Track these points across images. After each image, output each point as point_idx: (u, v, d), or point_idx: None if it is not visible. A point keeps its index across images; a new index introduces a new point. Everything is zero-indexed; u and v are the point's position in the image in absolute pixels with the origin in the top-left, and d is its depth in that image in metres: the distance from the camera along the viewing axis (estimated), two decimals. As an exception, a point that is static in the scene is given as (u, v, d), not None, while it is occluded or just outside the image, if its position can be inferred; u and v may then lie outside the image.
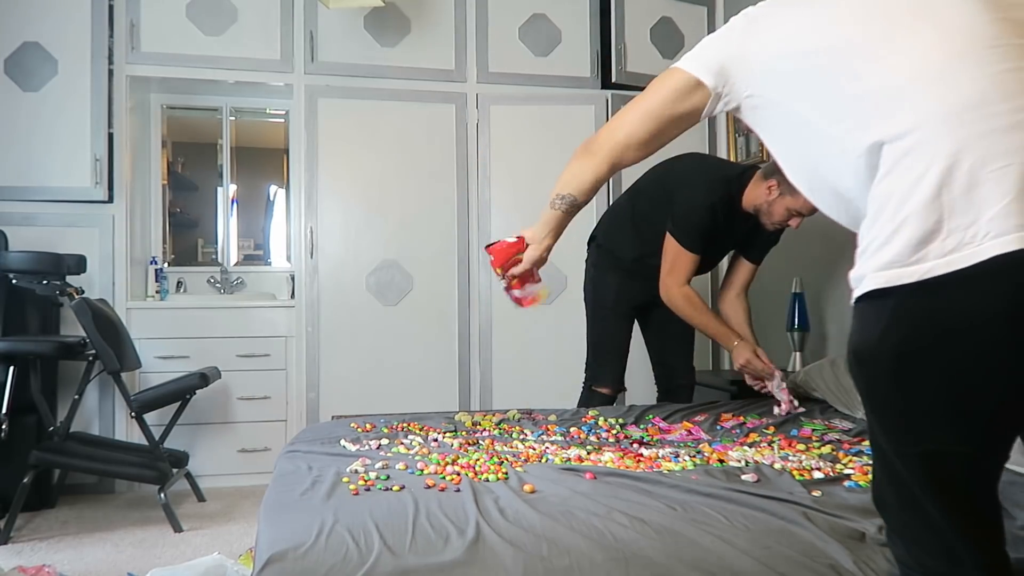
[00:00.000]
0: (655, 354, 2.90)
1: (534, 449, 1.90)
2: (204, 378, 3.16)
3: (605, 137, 1.42)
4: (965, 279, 0.86)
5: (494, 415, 2.44)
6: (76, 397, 3.01)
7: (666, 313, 2.70)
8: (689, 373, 2.87)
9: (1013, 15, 0.96)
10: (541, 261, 1.60)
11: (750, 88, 1.15)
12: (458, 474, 1.61)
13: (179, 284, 3.92)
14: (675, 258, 2.56)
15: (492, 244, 1.67)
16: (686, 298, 2.56)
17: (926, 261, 0.88)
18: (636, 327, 2.89)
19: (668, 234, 2.57)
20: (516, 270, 1.61)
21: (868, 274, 0.94)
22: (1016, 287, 0.86)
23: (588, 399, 2.80)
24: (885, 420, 0.96)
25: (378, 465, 1.70)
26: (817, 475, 1.61)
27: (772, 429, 2.18)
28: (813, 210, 2.31)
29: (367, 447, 1.93)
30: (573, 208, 1.50)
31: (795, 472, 1.63)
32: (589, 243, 2.93)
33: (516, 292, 1.66)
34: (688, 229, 2.55)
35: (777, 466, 1.68)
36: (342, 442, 1.99)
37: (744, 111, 1.20)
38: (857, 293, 0.97)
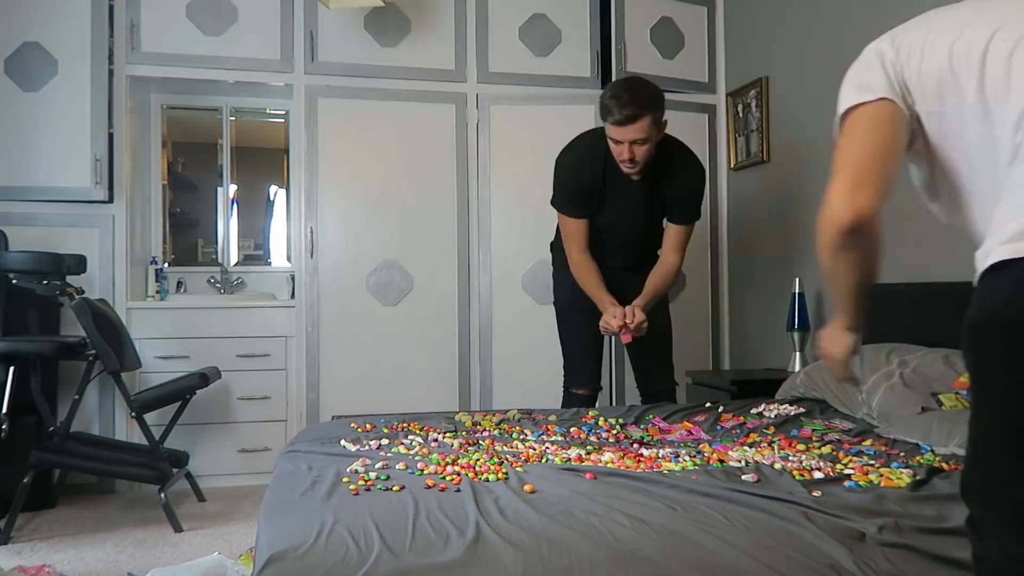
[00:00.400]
0: (632, 359, 2.90)
1: (534, 449, 1.90)
2: (204, 378, 3.16)
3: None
4: None
5: (494, 415, 2.44)
6: (76, 397, 3.01)
7: (649, 320, 2.71)
8: (666, 377, 2.84)
9: None
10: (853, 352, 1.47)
11: (920, 105, 1.17)
12: (458, 474, 1.60)
13: (179, 284, 3.92)
14: (560, 226, 2.68)
15: None
16: (575, 265, 2.65)
17: None
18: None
19: None
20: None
21: (994, 248, 0.95)
22: None
23: (568, 401, 2.81)
24: (991, 394, 0.95)
25: (378, 465, 1.70)
26: (817, 475, 1.61)
27: (772, 429, 2.18)
28: (626, 133, 2.39)
29: (367, 447, 1.93)
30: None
31: (795, 472, 1.63)
32: (551, 247, 2.97)
33: None
34: (556, 191, 2.67)
35: (777, 466, 1.68)
36: (342, 442, 1.99)
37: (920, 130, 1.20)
38: (981, 268, 0.97)
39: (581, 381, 2.80)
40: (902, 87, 1.17)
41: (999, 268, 0.94)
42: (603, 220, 2.69)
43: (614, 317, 2.54)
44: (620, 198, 2.63)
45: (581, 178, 2.60)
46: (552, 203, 2.70)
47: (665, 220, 2.74)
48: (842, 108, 1.21)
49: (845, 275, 1.25)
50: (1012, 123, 1.02)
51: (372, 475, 1.61)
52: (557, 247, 2.88)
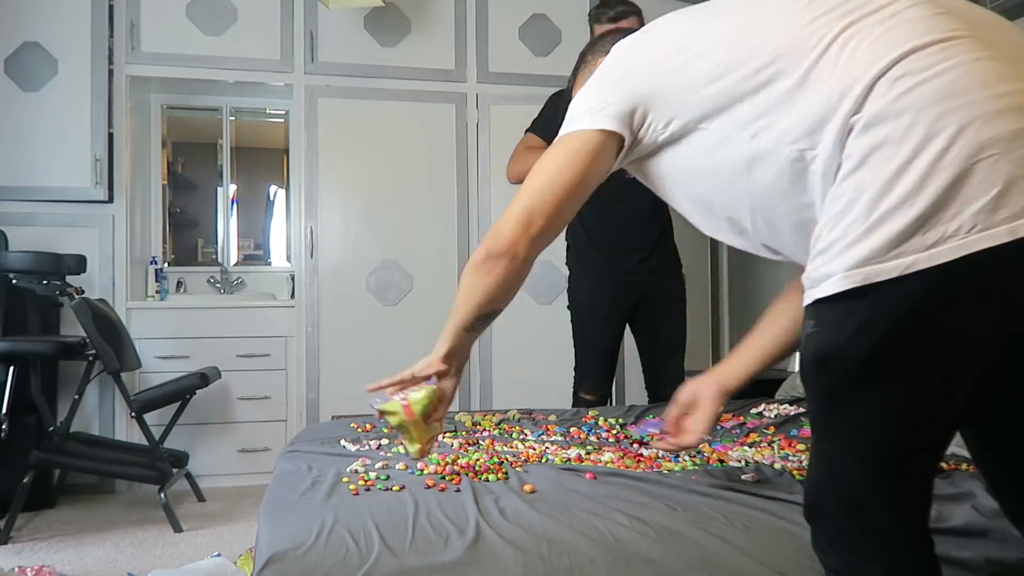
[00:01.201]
0: (644, 361, 2.88)
1: (534, 449, 1.90)
2: (204, 378, 3.16)
3: (520, 236, 1.14)
4: (949, 274, 0.82)
5: (494, 415, 2.44)
6: (76, 397, 3.01)
7: (656, 320, 2.70)
8: (677, 383, 2.80)
9: (949, 7, 0.93)
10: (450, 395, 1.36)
11: (665, 120, 1.06)
12: (458, 474, 1.60)
13: (179, 284, 3.92)
14: (518, 148, 2.72)
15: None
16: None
17: (906, 255, 0.83)
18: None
19: None
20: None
21: (837, 273, 0.87)
22: (1000, 283, 0.84)
23: (576, 404, 2.81)
24: (848, 422, 0.92)
25: (378, 465, 1.70)
26: (817, 475, 1.61)
27: (772, 429, 2.18)
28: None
29: (367, 447, 1.93)
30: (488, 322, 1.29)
31: (795, 472, 1.63)
32: (567, 248, 2.93)
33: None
34: (539, 115, 2.76)
35: (777, 466, 1.68)
36: (342, 442, 1.99)
37: (655, 154, 1.10)
38: (820, 294, 0.90)
39: (589, 386, 2.79)
40: (650, 110, 1.07)
41: (843, 297, 0.87)
42: (611, 186, 2.66)
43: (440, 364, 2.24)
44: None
45: (562, 108, 2.58)
46: (529, 129, 2.74)
47: None
48: (567, 127, 1.13)
49: (471, 299, 1.24)
50: (834, 137, 0.90)
51: (372, 475, 1.61)
52: (573, 245, 2.83)
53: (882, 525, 0.92)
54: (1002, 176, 0.81)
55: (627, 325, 2.82)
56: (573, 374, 2.87)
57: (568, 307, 2.91)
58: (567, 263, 2.91)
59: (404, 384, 1.32)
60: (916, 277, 0.83)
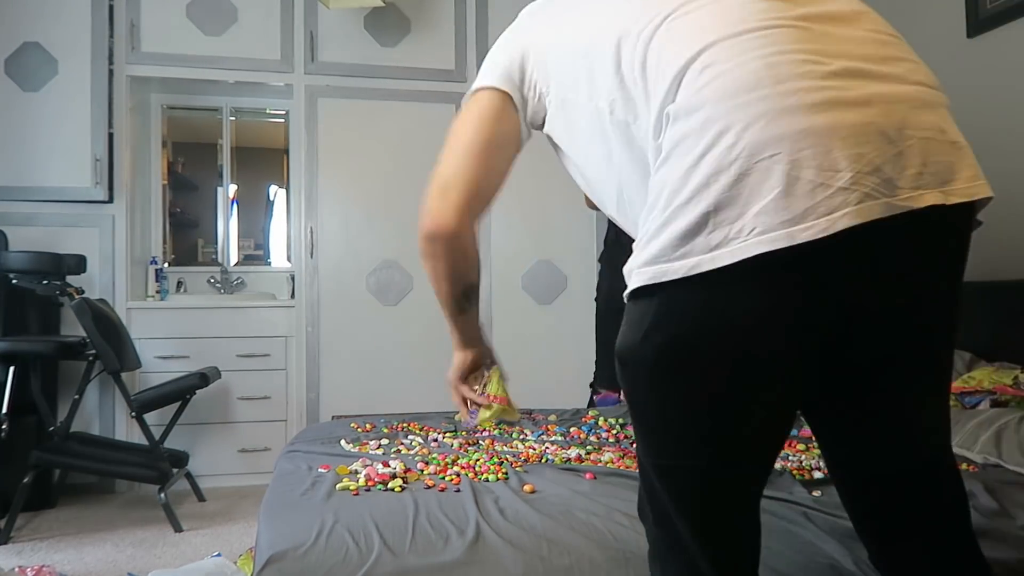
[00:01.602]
0: None
1: (534, 449, 1.90)
2: (204, 378, 3.16)
3: (444, 210, 1.15)
4: (729, 277, 0.78)
5: (494, 415, 2.44)
6: (76, 397, 3.01)
7: None
8: None
9: None
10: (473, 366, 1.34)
11: (544, 85, 1.05)
12: (458, 474, 1.61)
13: (179, 284, 3.92)
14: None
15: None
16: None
17: (691, 256, 0.79)
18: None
19: None
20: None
21: (635, 269, 0.85)
22: (778, 288, 0.79)
23: (590, 400, 2.82)
24: (643, 426, 0.90)
25: (378, 465, 1.70)
26: (817, 475, 1.61)
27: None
28: None
29: (367, 447, 1.93)
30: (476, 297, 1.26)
31: (795, 472, 1.63)
32: (605, 242, 2.92)
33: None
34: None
35: (777, 466, 1.68)
36: (342, 442, 1.99)
37: (548, 117, 1.08)
38: (627, 291, 0.88)
39: (604, 381, 2.80)
40: (529, 73, 1.05)
41: (641, 294, 0.85)
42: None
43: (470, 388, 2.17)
44: None
45: None
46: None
47: None
48: (473, 85, 1.10)
49: (439, 285, 1.19)
50: (652, 124, 0.87)
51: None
52: (612, 241, 2.80)
53: (686, 544, 0.88)
54: (783, 177, 0.77)
55: None
56: (594, 371, 2.87)
57: (595, 299, 2.90)
58: (599, 259, 2.89)
59: (468, 398, 1.30)
60: (699, 279, 0.79)
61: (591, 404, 2.78)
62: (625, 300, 0.89)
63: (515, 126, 1.08)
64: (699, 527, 0.88)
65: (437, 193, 1.12)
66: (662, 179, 0.84)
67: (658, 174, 0.85)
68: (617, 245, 2.83)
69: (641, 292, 0.85)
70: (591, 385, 2.85)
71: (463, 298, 1.20)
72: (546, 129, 1.10)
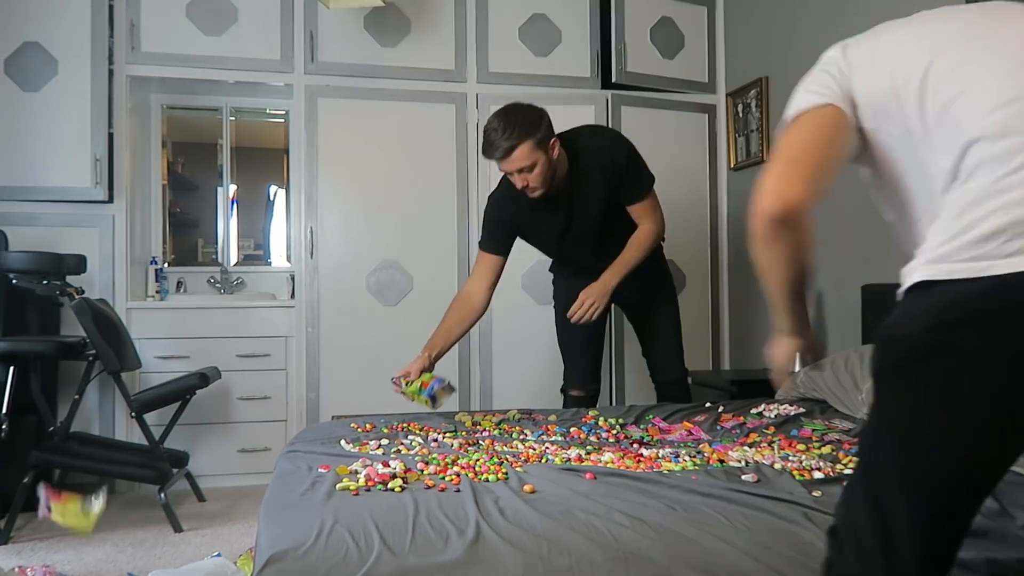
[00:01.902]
0: (642, 351, 2.89)
1: (534, 449, 1.90)
2: (204, 378, 3.16)
3: (786, 192, 1.15)
4: (1017, 283, 0.86)
5: (494, 415, 2.45)
6: (76, 397, 3.01)
7: (648, 310, 2.72)
8: (670, 370, 2.80)
9: None
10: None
11: (865, 122, 1.15)
12: (458, 475, 1.61)
13: (179, 284, 3.92)
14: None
15: None
16: (457, 295, 2.65)
17: (982, 260, 0.88)
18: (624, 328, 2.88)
19: None
20: None
21: (919, 267, 0.95)
22: None
23: (565, 403, 2.82)
24: (886, 407, 0.95)
25: (378, 466, 1.70)
26: (817, 475, 1.61)
27: (772, 429, 2.19)
28: (510, 165, 2.34)
29: (367, 447, 1.93)
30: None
31: (795, 472, 1.63)
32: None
33: None
34: (482, 229, 2.65)
35: (777, 466, 1.68)
36: (342, 442, 1.99)
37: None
38: (904, 286, 0.97)
39: (575, 382, 2.81)
40: (849, 98, 1.15)
41: (919, 288, 0.94)
42: (556, 242, 2.65)
43: (404, 372, 2.44)
44: (557, 219, 2.55)
45: (503, 217, 2.57)
46: (480, 243, 2.66)
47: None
48: (790, 114, 1.19)
49: (775, 269, 1.24)
50: (948, 152, 1.00)
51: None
52: (553, 266, 2.90)
53: (898, 523, 0.91)
54: None
55: (608, 323, 2.86)
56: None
57: (553, 307, 2.93)
58: (550, 268, 2.93)
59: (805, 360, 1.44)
60: (987, 280, 0.87)
61: (565, 406, 2.79)
62: (900, 294, 0.97)
63: (849, 136, 1.15)
64: (918, 519, 0.91)
65: (782, 174, 1.13)
66: (961, 194, 0.96)
67: (957, 191, 0.97)
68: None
69: (921, 286, 0.93)
70: (562, 391, 2.85)
71: (799, 282, 1.25)
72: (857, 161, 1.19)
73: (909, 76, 1.07)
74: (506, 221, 2.58)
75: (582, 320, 2.51)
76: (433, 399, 2.34)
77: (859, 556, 0.94)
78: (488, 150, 2.36)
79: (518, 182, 2.38)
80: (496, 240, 2.60)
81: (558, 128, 2.51)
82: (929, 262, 0.94)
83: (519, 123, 2.32)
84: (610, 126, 3.81)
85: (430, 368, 2.46)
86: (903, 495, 0.91)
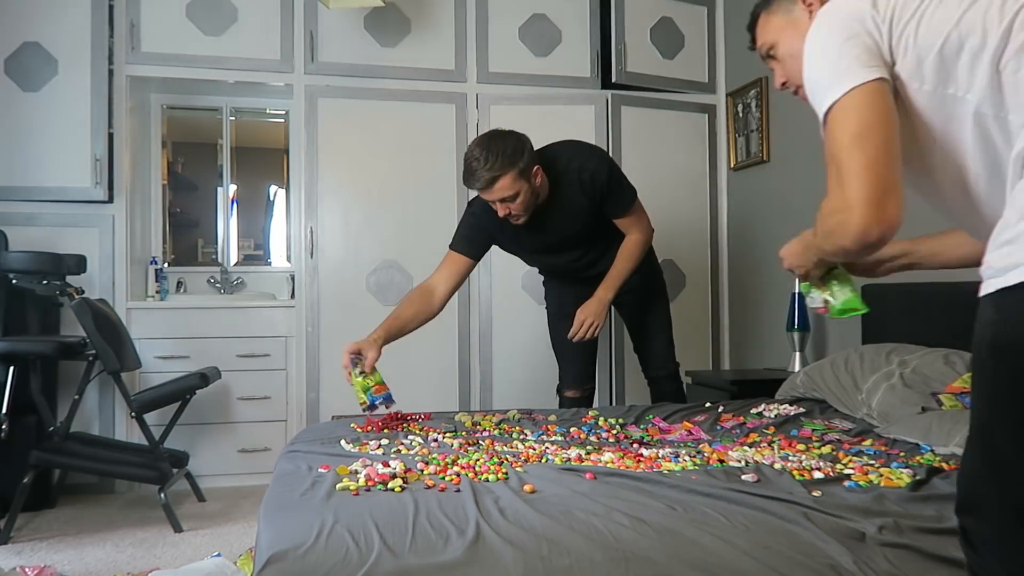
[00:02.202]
0: (634, 347, 2.90)
1: (534, 449, 1.90)
2: (204, 378, 3.16)
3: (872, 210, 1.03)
4: None
5: (494, 415, 2.44)
6: (76, 397, 3.01)
7: (638, 309, 2.72)
8: (662, 365, 2.81)
9: None
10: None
11: (907, 75, 1.04)
12: (458, 474, 1.61)
13: (179, 284, 3.92)
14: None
15: None
16: (416, 288, 2.57)
17: None
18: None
19: None
20: None
21: (1021, 264, 0.86)
22: None
23: (560, 404, 2.83)
24: (1009, 413, 0.89)
25: (378, 466, 1.70)
26: (817, 475, 1.61)
27: (772, 429, 2.18)
28: (493, 195, 2.31)
29: (367, 447, 1.93)
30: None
31: (795, 472, 1.63)
32: None
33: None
34: (457, 229, 2.60)
35: (777, 466, 1.68)
36: (342, 442, 1.99)
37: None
38: (1004, 283, 0.88)
39: (569, 383, 2.82)
40: (887, 56, 1.03)
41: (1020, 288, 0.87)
42: (538, 256, 2.67)
43: (351, 352, 2.29)
44: (539, 236, 2.55)
45: (481, 224, 2.54)
46: (451, 243, 2.59)
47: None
48: (831, 96, 1.05)
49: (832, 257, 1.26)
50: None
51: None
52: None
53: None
54: None
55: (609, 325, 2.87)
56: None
57: (546, 308, 2.94)
58: (540, 271, 2.93)
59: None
60: None
61: (561, 407, 2.80)
62: (991, 291, 0.90)
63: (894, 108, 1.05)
64: None
65: (874, 186, 1.00)
66: None
67: None
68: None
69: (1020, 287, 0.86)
70: (558, 391, 2.86)
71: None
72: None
73: (985, 23, 0.96)
74: (484, 230, 2.55)
75: (585, 338, 2.53)
76: (372, 407, 2.25)
77: (1002, 561, 0.91)
78: (469, 180, 2.34)
79: (500, 211, 2.37)
80: (472, 244, 2.55)
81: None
82: None
83: (501, 153, 2.28)
84: (610, 126, 3.82)
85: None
86: None
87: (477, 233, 2.55)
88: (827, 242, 1.09)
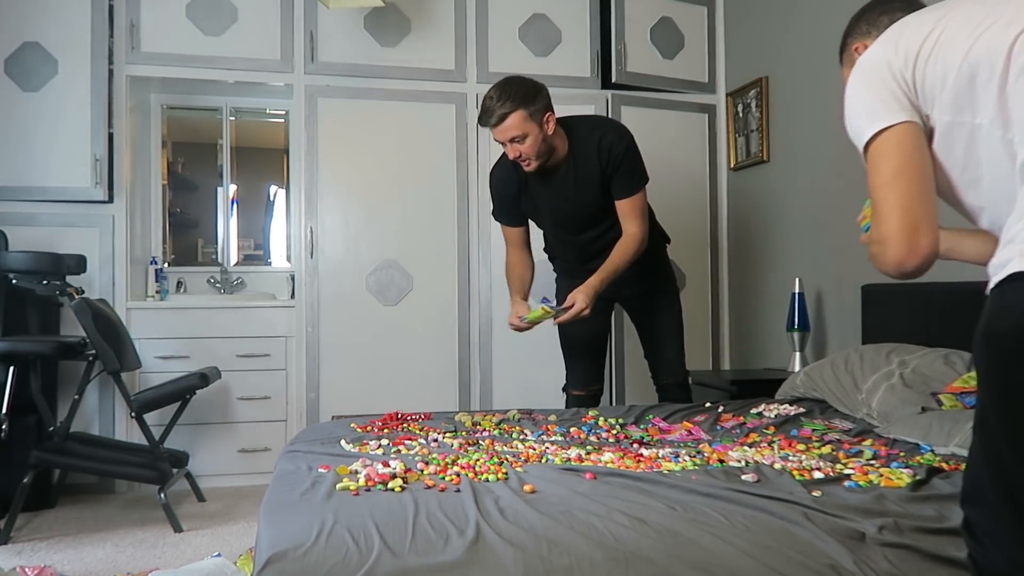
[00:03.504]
0: (644, 353, 2.89)
1: (534, 449, 1.90)
2: (204, 378, 3.16)
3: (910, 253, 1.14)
4: None
5: (494, 415, 2.44)
6: (76, 397, 3.01)
7: (650, 313, 2.72)
8: (671, 373, 2.82)
9: None
10: None
11: (930, 110, 1.14)
12: (458, 474, 1.60)
13: (179, 284, 3.92)
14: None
15: None
16: (507, 264, 2.76)
17: None
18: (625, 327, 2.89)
19: None
20: None
21: (1015, 257, 0.94)
22: None
23: (567, 403, 2.83)
24: (1004, 402, 0.94)
25: (378, 466, 1.70)
26: (817, 475, 1.61)
27: (772, 429, 2.18)
28: (502, 134, 2.42)
29: (367, 447, 1.93)
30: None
31: (795, 472, 1.63)
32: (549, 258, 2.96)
33: None
34: (493, 204, 2.76)
35: (777, 466, 1.68)
36: (342, 442, 1.99)
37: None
38: (998, 277, 0.96)
39: (575, 382, 2.82)
40: (912, 96, 1.13)
41: (1018, 278, 0.93)
42: (550, 222, 2.70)
43: (516, 316, 2.58)
44: (552, 197, 2.61)
45: (502, 191, 2.68)
46: (492, 214, 2.80)
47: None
48: (864, 136, 1.15)
49: None
50: None
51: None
52: (551, 257, 2.90)
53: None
54: None
55: (610, 324, 2.91)
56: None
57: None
58: (552, 269, 2.93)
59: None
60: None
61: (567, 405, 2.80)
62: (992, 287, 0.97)
63: (927, 149, 1.15)
64: None
65: (911, 231, 1.10)
66: None
67: None
68: (552, 258, 2.90)
69: (1018, 276, 0.93)
70: (564, 389, 2.86)
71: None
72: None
73: (990, 50, 1.05)
74: (506, 195, 2.67)
75: (570, 320, 2.55)
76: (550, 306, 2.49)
77: (1002, 548, 0.94)
78: (483, 117, 2.45)
79: (511, 152, 2.46)
80: (508, 214, 2.72)
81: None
82: None
83: (515, 93, 2.41)
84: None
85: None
86: None
87: (504, 202, 2.70)
88: (876, 265, 1.18)
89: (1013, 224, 0.98)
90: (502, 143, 2.47)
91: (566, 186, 2.56)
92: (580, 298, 2.51)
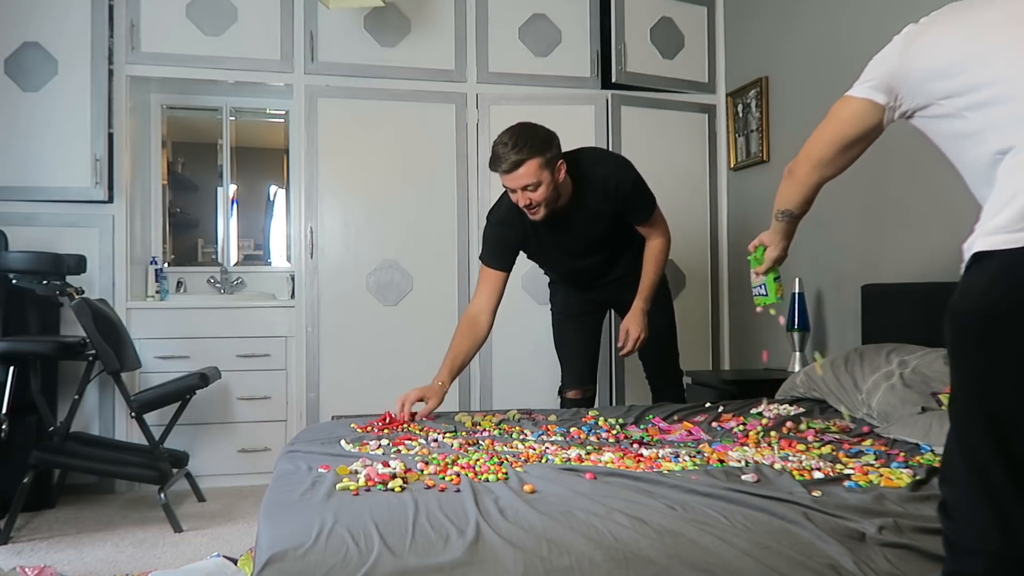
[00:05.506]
0: (638, 354, 2.89)
1: (534, 449, 1.90)
2: (204, 378, 3.16)
3: (802, 160, 1.57)
4: None
5: (494, 415, 2.44)
6: (76, 397, 3.01)
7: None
8: (665, 375, 2.83)
9: None
10: (781, 259, 1.87)
11: (914, 102, 1.28)
12: (458, 474, 1.61)
13: (179, 284, 3.92)
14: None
15: None
16: (464, 317, 2.63)
17: None
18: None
19: None
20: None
21: (978, 239, 1.02)
22: None
23: (561, 405, 2.83)
24: (966, 380, 1.00)
25: (378, 466, 1.70)
26: (817, 475, 1.61)
27: (772, 429, 2.18)
28: (515, 180, 2.32)
29: (367, 447, 1.93)
30: (794, 219, 1.75)
31: (795, 472, 1.63)
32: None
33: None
34: (482, 245, 2.63)
35: (777, 466, 1.68)
36: (342, 442, 1.99)
37: (915, 120, 1.33)
38: (967, 258, 1.04)
39: (572, 382, 2.82)
40: (899, 82, 1.28)
41: (979, 259, 1.01)
42: (557, 259, 2.67)
43: (415, 398, 2.38)
44: (561, 239, 2.56)
45: (506, 236, 2.55)
46: (480, 257, 2.65)
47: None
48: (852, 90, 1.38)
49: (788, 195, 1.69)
50: (1000, 124, 1.08)
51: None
52: (553, 280, 2.91)
53: (1003, 490, 0.96)
54: None
55: (603, 325, 2.91)
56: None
57: (550, 310, 2.93)
58: (548, 284, 2.94)
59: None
60: None
61: (563, 406, 2.80)
62: (963, 268, 1.05)
63: (876, 120, 1.38)
64: (1010, 476, 0.96)
65: (811, 168, 1.57)
66: (1009, 167, 1.05)
67: (1005, 164, 1.06)
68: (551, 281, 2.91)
69: (980, 256, 1.01)
70: (559, 393, 2.86)
71: (790, 214, 1.73)
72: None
73: (970, 52, 1.16)
74: (509, 239, 2.56)
75: (637, 347, 2.60)
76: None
77: (972, 524, 0.99)
78: (495, 162, 2.35)
79: (521, 200, 2.36)
80: (501, 256, 2.57)
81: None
82: (986, 234, 1.01)
83: (531, 140, 2.32)
84: (610, 126, 3.82)
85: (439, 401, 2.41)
86: (998, 466, 0.96)
87: (503, 244, 2.57)
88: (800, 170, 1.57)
89: (985, 206, 1.07)
90: (512, 190, 2.38)
91: (575, 226, 2.53)
92: (632, 327, 2.56)
